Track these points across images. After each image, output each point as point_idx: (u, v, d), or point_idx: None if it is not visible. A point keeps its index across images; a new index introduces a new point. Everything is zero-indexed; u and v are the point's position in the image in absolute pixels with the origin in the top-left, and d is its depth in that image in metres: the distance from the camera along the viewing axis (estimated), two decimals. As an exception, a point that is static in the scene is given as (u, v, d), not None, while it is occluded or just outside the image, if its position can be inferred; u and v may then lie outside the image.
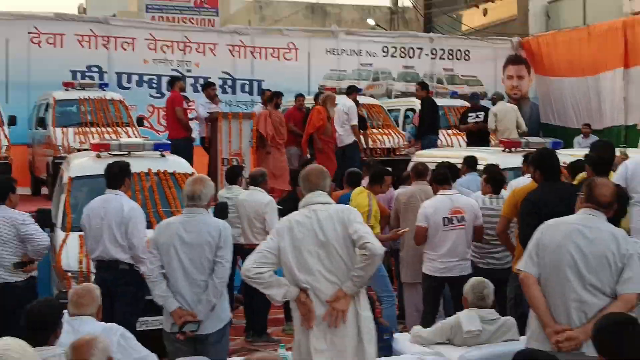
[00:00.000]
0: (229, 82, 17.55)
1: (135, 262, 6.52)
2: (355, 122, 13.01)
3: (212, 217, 5.66)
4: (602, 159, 6.45)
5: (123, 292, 6.45)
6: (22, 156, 15.01)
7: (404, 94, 18.25)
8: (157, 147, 9.02)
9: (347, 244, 4.53)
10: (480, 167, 8.87)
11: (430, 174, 8.09)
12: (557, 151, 9.52)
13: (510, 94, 19.28)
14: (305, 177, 4.80)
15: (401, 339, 5.90)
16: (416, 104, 15.82)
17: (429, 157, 10.72)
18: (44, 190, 13.88)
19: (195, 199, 5.47)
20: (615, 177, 6.17)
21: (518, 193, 6.68)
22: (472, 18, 25.43)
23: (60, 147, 12.83)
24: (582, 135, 16.31)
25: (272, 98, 13.04)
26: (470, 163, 9.31)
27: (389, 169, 9.14)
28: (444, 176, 7.74)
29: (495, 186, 7.65)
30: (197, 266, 5.39)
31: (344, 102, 13.39)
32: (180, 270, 5.38)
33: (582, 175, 6.98)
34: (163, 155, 9.01)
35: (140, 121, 14.72)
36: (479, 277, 5.99)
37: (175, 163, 9.06)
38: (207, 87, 13.18)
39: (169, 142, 9.43)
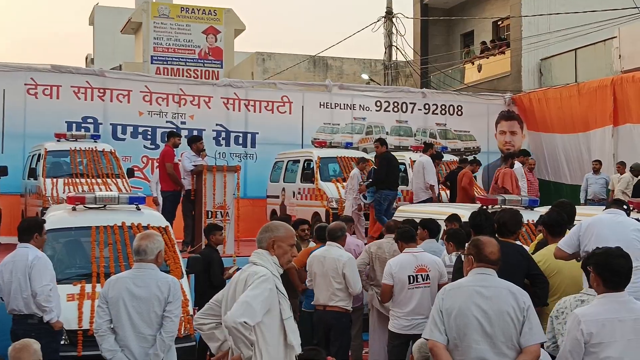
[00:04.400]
0: (223, 135, 17.73)
1: (41, 312, 6.65)
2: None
3: (162, 273, 5.75)
4: (555, 220, 6.48)
5: None
6: (16, 206, 15.15)
7: (397, 148, 18.36)
8: (132, 200, 9.08)
9: None
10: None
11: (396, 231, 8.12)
12: (536, 209, 9.74)
13: (502, 150, 19.37)
14: None
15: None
16: (406, 158, 16.00)
17: (412, 212, 10.81)
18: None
19: (140, 253, 5.59)
20: (569, 233, 6.18)
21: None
22: (467, 74, 25.72)
23: (49, 198, 12.95)
24: (592, 172, 16.52)
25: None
26: (455, 220, 9.37)
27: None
28: (409, 234, 7.78)
29: (456, 243, 7.65)
30: (146, 320, 5.49)
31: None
32: (128, 324, 5.48)
33: (540, 237, 7.00)
34: (138, 209, 9.12)
35: (131, 172, 14.88)
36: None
37: (150, 216, 9.16)
38: (195, 141, 13.25)
39: (143, 195, 9.49)
